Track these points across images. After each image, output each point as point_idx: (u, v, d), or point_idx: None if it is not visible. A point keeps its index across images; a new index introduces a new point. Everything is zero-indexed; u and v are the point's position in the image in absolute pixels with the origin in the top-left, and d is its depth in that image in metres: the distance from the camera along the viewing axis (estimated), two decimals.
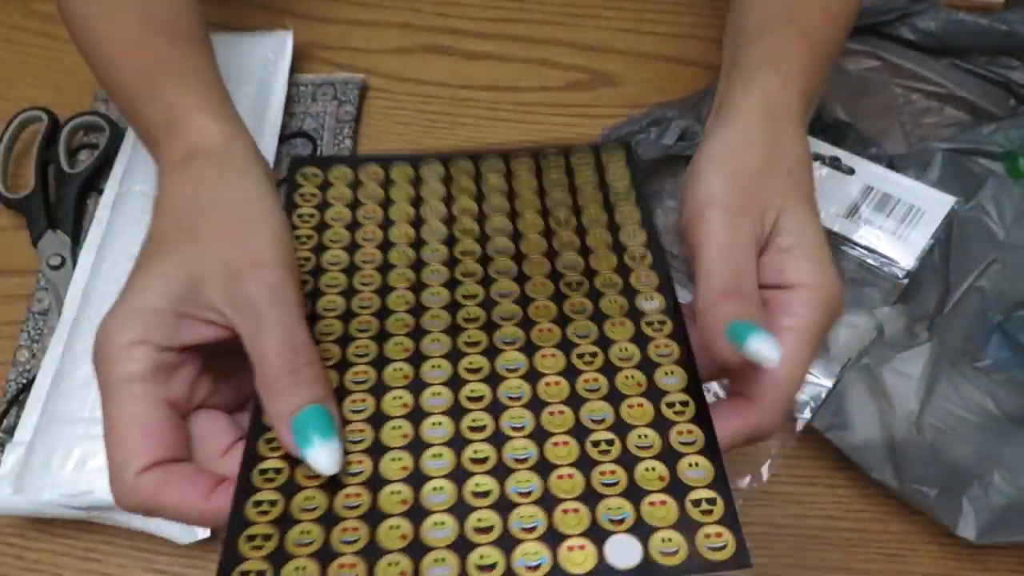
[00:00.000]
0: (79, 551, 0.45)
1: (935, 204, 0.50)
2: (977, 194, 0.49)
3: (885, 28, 0.57)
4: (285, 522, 0.29)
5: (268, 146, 0.53)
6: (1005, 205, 0.49)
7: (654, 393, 0.32)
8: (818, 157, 0.52)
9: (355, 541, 0.28)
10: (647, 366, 0.33)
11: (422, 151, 0.43)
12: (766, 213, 0.33)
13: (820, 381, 0.46)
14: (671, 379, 0.33)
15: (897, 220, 0.50)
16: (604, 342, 0.34)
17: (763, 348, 0.29)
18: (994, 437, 0.43)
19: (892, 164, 0.53)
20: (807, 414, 0.46)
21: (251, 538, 0.28)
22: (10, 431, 0.45)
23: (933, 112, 0.56)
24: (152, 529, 0.42)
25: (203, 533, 0.41)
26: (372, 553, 0.28)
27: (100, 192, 0.53)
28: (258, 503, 0.29)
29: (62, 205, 0.53)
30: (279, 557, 0.28)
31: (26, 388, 0.47)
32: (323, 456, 0.28)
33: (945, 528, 0.42)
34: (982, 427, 0.44)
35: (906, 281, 0.49)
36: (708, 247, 0.32)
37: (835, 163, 0.52)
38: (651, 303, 0.35)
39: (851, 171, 0.52)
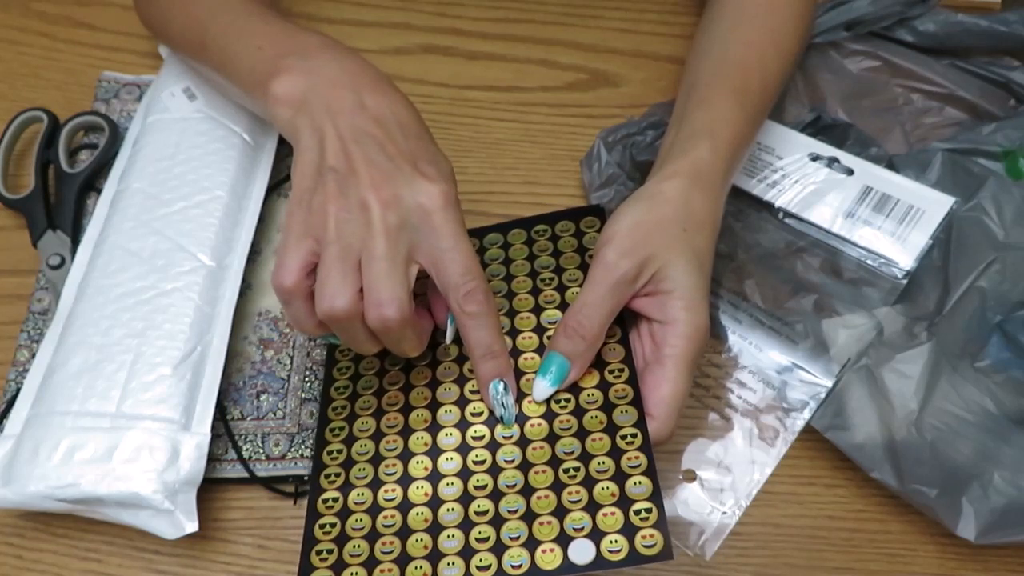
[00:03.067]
0: (79, 551, 0.45)
1: (934, 204, 0.50)
2: (977, 194, 0.49)
3: (885, 32, 0.57)
4: (342, 539, 0.38)
5: (269, 146, 0.53)
6: (1005, 205, 0.49)
7: (611, 428, 0.40)
8: (817, 158, 0.52)
9: (391, 551, 0.38)
10: (607, 407, 0.40)
11: None
12: (652, 260, 0.40)
13: (820, 381, 0.46)
14: (625, 416, 0.40)
15: (896, 221, 0.50)
16: (576, 388, 0.41)
17: (537, 384, 0.41)
18: (994, 437, 0.43)
19: (892, 164, 0.53)
20: (807, 414, 0.46)
21: (319, 552, 0.38)
22: None
23: (933, 112, 0.56)
24: (140, 524, 0.41)
25: (191, 528, 0.41)
26: (403, 560, 0.37)
27: (100, 192, 0.53)
28: (322, 526, 0.39)
29: (62, 205, 0.53)
30: (339, 566, 0.38)
31: None
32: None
33: (945, 528, 0.42)
34: (982, 427, 0.44)
35: (905, 281, 0.49)
36: (587, 279, 0.41)
37: (834, 164, 0.52)
38: (613, 354, 0.42)
39: (850, 172, 0.52)
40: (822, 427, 0.45)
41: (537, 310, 0.45)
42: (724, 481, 0.46)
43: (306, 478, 0.45)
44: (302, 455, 0.46)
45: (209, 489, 0.45)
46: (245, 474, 0.45)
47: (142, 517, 0.41)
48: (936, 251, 0.49)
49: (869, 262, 0.50)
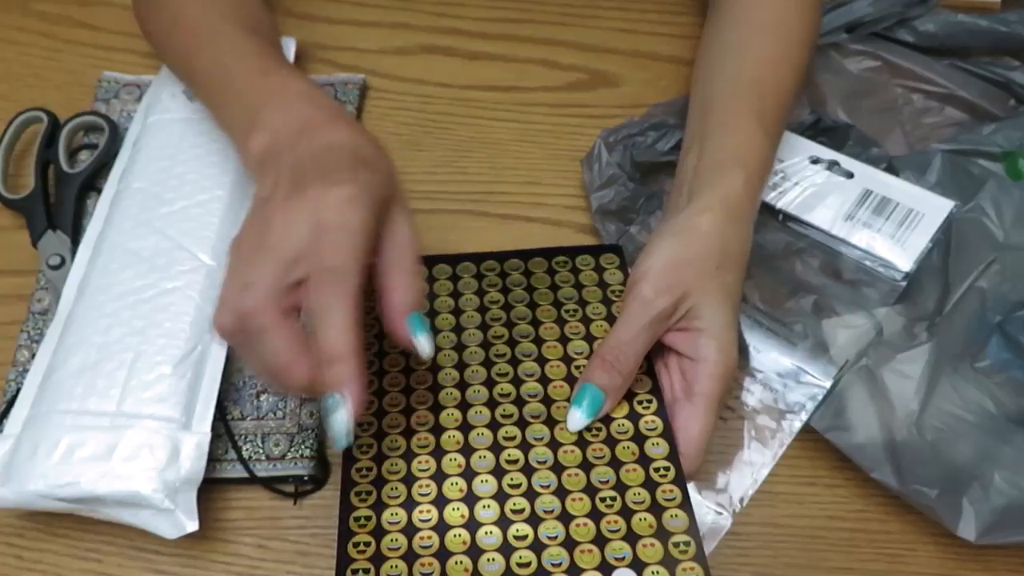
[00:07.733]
0: (79, 551, 0.45)
1: (934, 208, 0.50)
2: (976, 195, 0.49)
3: (885, 32, 0.57)
4: (378, 559, 0.38)
5: None
6: (1004, 207, 0.49)
7: (644, 460, 0.40)
8: (817, 161, 0.52)
9: (431, 573, 0.37)
10: (638, 438, 0.41)
11: (457, 254, 0.50)
12: (686, 298, 0.41)
13: (819, 382, 0.46)
14: (657, 448, 0.41)
15: (896, 223, 0.50)
16: (606, 418, 0.42)
17: (571, 415, 0.41)
18: (994, 437, 0.43)
19: (892, 165, 0.53)
20: (805, 415, 0.46)
21: (356, 544, 0.38)
22: None
23: (933, 112, 0.56)
24: (140, 523, 0.41)
25: (191, 527, 0.41)
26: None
27: (100, 192, 0.53)
28: (356, 544, 0.39)
29: (62, 205, 0.53)
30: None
31: None
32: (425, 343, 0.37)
33: (945, 528, 0.42)
34: (982, 428, 0.44)
35: (904, 284, 0.49)
36: (622, 313, 0.42)
37: (834, 167, 0.52)
38: (641, 384, 0.43)
39: (850, 175, 0.52)
40: (822, 427, 0.45)
41: (564, 340, 0.45)
42: (721, 482, 0.46)
43: (306, 478, 0.45)
44: (302, 455, 0.46)
45: (209, 489, 0.45)
46: (245, 474, 0.45)
47: (142, 516, 0.41)
48: (936, 252, 0.49)
49: (868, 264, 0.50)
